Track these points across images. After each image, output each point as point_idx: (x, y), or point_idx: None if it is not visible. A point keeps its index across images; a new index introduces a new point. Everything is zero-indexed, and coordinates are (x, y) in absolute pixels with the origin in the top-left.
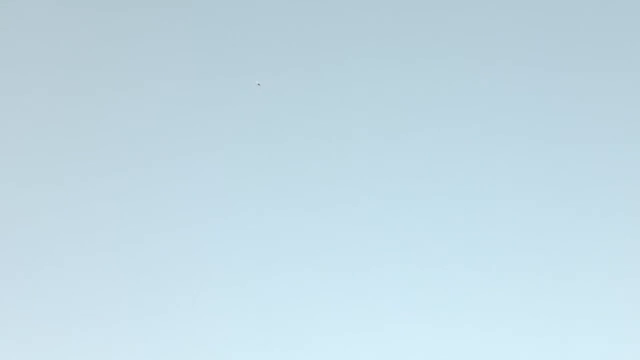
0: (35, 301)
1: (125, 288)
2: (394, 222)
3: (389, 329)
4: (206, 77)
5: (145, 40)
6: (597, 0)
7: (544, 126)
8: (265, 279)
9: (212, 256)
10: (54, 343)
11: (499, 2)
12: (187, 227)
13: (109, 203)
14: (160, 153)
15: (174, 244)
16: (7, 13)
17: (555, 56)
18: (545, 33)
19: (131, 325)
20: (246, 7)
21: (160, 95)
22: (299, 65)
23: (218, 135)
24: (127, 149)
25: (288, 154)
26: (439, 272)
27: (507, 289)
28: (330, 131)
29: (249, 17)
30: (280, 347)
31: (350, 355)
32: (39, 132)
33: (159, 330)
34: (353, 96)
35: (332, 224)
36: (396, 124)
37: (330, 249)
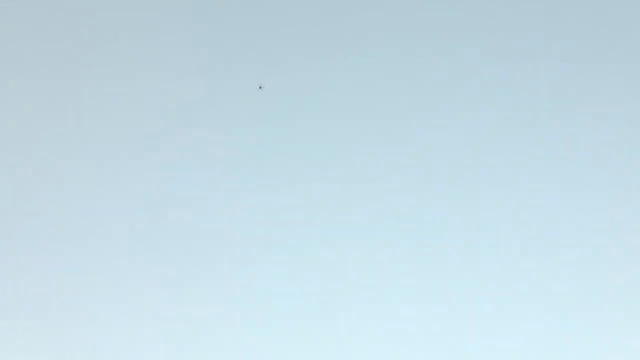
0: (34, 300)
1: (122, 286)
2: (395, 223)
3: (390, 333)
4: (207, 77)
5: (144, 38)
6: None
7: (547, 128)
8: (266, 279)
9: (212, 255)
10: (51, 341)
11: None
12: (187, 224)
13: (107, 201)
14: (160, 152)
15: (174, 243)
16: (7, 12)
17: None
18: (548, 33)
19: (128, 325)
20: (247, 6)
21: (160, 94)
22: (300, 65)
23: (218, 136)
24: (126, 148)
25: (289, 154)
26: (445, 272)
27: (512, 291)
28: (332, 131)
29: (250, 16)
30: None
31: (351, 356)
32: (38, 130)
33: (158, 329)
34: (355, 95)
35: (334, 223)
36: (399, 124)
37: (333, 249)
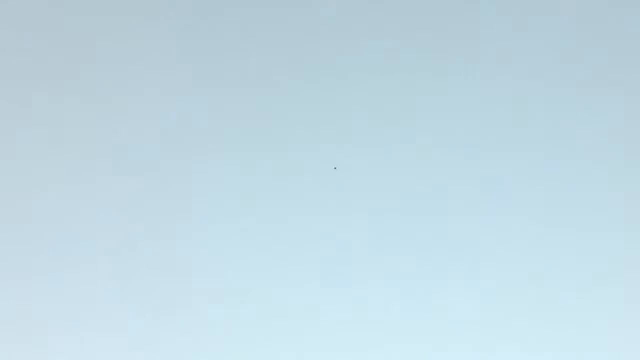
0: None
1: (123, 291)
2: (393, 232)
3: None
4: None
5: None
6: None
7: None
8: (263, 285)
9: (213, 260)
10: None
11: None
12: (187, 230)
13: (108, 205)
14: (162, 156)
15: (174, 248)
16: (7, 13)
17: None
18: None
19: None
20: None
21: (161, 98)
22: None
23: (218, 138)
24: (127, 152)
25: (287, 156)
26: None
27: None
28: (330, 136)
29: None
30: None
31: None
32: (38, 134)
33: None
34: (352, 100)
35: (333, 227)
36: (396, 128)
37: (332, 253)
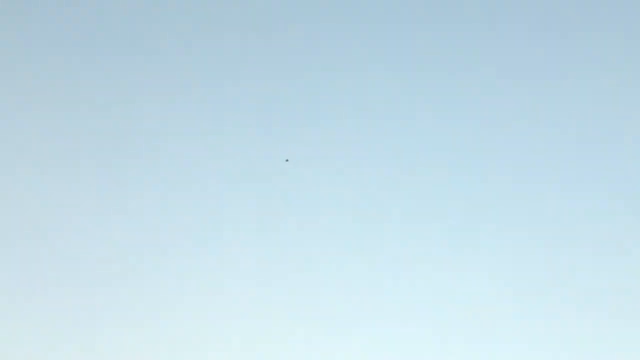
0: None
1: (123, 288)
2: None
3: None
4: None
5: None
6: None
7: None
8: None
9: (212, 258)
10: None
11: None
12: (186, 227)
13: (108, 205)
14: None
15: (173, 247)
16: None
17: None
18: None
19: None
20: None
21: (162, 99)
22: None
23: (218, 137)
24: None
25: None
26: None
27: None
28: (332, 137)
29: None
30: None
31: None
32: (41, 137)
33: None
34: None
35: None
36: (397, 125)
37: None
